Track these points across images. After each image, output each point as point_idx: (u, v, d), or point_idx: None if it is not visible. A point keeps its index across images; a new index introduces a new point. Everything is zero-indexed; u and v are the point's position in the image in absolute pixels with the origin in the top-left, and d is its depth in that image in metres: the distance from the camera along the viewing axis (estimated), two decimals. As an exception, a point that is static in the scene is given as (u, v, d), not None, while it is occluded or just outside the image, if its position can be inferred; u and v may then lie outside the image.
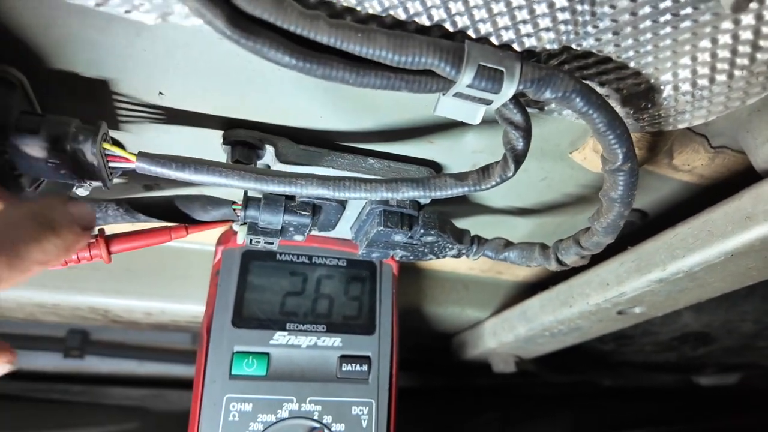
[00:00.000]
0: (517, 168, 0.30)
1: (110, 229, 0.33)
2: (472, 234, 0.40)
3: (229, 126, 0.35)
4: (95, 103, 0.32)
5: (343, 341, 0.46)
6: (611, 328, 0.56)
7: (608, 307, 0.47)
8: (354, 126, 0.36)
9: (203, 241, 0.54)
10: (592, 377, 1.02)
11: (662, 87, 0.30)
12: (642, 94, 0.31)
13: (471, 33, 0.26)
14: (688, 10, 0.25)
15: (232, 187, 0.29)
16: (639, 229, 0.52)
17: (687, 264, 0.37)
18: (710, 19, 0.26)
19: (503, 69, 0.25)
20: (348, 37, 0.23)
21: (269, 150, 0.35)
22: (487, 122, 0.31)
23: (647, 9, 0.25)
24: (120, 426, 0.76)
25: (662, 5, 0.25)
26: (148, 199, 0.35)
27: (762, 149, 0.35)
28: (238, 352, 0.44)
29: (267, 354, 0.44)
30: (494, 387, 0.94)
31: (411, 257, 0.41)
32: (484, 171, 0.31)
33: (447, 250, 0.40)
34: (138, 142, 0.36)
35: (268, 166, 0.36)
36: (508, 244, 0.40)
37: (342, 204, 0.38)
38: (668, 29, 0.26)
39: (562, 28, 0.26)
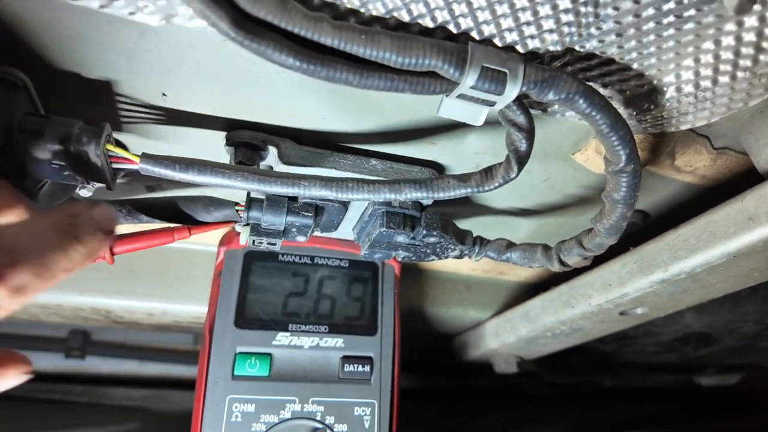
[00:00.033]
0: (520, 169, 0.30)
1: (113, 230, 0.33)
2: (474, 235, 0.40)
3: (232, 127, 0.35)
4: (98, 104, 0.32)
5: (346, 342, 0.46)
6: (613, 328, 0.56)
7: (610, 308, 0.47)
8: (357, 127, 0.36)
9: (205, 241, 0.54)
10: (593, 378, 1.02)
11: (665, 88, 0.30)
12: (645, 95, 0.31)
13: (474, 35, 0.26)
14: (692, 12, 0.25)
15: (235, 189, 0.29)
16: (641, 230, 0.52)
17: (689, 265, 0.37)
18: (713, 21, 0.26)
19: (507, 71, 0.25)
20: (352, 38, 0.23)
21: (272, 151, 0.35)
22: (490, 123, 0.31)
23: (651, 11, 0.25)
24: (121, 426, 0.76)
25: (666, 7, 0.25)
26: (151, 200, 0.35)
27: (764, 150, 0.35)
28: (240, 353, 0.44)
29: (269, 355, 0.44)
30: (496, 387, 0.94)
31: (413, 258, 0.41)
32: (487, 172, 0.31)
33: (449, 251, 0.40)
34: (141, 143, 0.36)
35: (271, 168, 0.36)
36: (510, 245, 0.40)
37: (344, 205, 0.38)
38: (671, 31, 0.26)
39: (566, 29, 0.26)
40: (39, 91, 0.29)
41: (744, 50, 0.27)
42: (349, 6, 0.24)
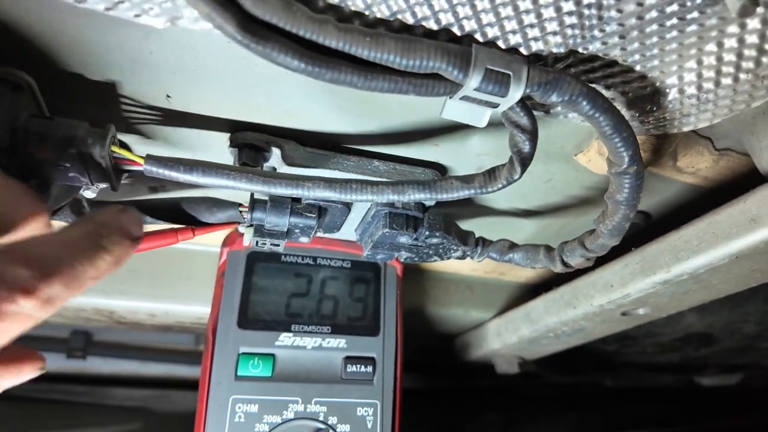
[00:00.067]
0: (523, 170, 0.30)
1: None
2: (476, 236, 0.40)
3: (236, 129, 0.35)
4: (103, 105, 0.32)
5: (348, 342, 0.47)
6: (615, 329, 0.56)
7: (612, 309, 0.47)
8: (360, 128, 0.36)
9: (208, 242, 0.54)
10: (594, 378, 1.03)
11: (668, 90, 0.30)
12: (648, 97, 0.31)
13: (478, 37, 0.26)
14: (695, 14, 0.25)
15: (239, 190, 0.29)
16: (643, 230, 0.52)
17: (691, 266, 0.37)
18: (716, 23, 0.26)
19: (510, 73, 0.25)
20: (356, 41, 0.23)
21: (276, 153, 0.35)
22: (493, 125, 0.31)
23: (654, 13, 0.25)
24: (122, 426, 0.76)
25: (669, 9, 0.25)
26: (155, 201, 0.35)
27: (767, 152, 0.36)
28: (243, 354, 0.44)
29: (272, 355, 0.44)
30: (497, 388, 0.94)
31: (416, 259, 0.41)
32: (491, 173, 0.31)
33: (452, 251, 0.40)
34: (145, 144, 0.36)
35: (275, 169, 0.36)
36: (512, 246, 0.40)
37: (347, 206, 0.39)
38: (674, 33, 0.26)
39: (569, 32, 0.26)
40: (44, 93, 0.29)
41: (746, 52, 0.28)
42: (353, 8, 0.24)
